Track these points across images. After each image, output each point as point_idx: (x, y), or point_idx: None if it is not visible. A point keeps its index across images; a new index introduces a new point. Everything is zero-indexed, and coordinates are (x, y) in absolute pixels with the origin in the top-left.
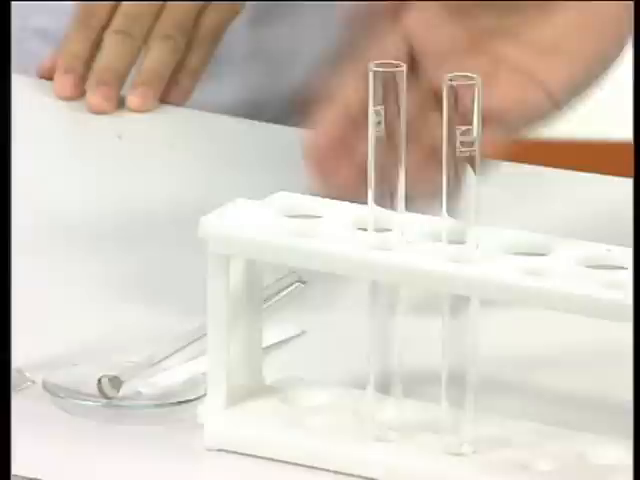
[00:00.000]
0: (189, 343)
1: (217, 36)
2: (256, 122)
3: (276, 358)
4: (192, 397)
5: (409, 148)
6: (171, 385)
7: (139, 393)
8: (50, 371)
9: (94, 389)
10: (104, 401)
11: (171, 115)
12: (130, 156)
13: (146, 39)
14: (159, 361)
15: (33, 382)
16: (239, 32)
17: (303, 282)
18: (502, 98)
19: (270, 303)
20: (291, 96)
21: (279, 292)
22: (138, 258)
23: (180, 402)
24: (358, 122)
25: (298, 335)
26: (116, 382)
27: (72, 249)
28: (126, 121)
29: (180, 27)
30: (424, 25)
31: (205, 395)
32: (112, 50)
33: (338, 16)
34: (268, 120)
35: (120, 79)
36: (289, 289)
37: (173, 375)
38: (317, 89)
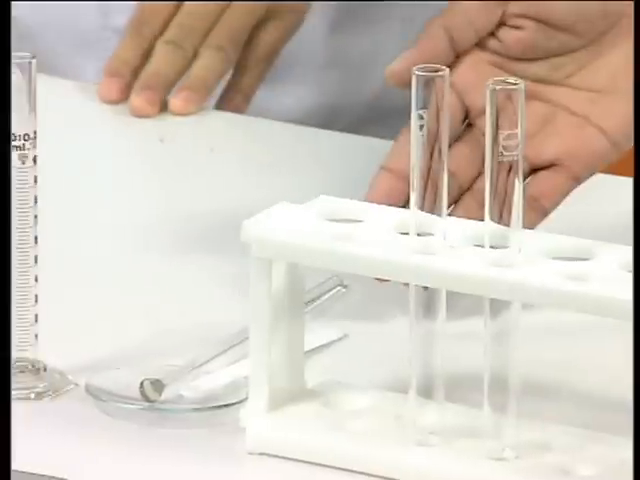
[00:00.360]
0: (231, 346)
1: (273, 55)
2: (297, 126)
3: (318, 362)
4: (234, 401)
5: (464, 198)
6: (213, 389)
7: (181, 397)
8: (93, 374)
9: (136, 392)
10: (146, 404)
11: (213, 119)
12: (172, 159)
13: (197, 51)
14: (201, 365)
15: (76, 385)
16: (317, 38)
17: (344, 286)
18: (562, 144)
19: (312, 307)
20: (367, 105)
21: (321, 296)
22: (180, 261)
23: (222, 406)
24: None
25: (340, 339)
26: (158, 385)
27: (115, 252)
28: (169, 125)
29: (233, 40)
30: (474, 81)
31: (247, 399)
32: (161, 58)
33: (388, 76)
34: (342, 128)
35: (166, 85)
36: (330, 293)
37: (215, 379)
38: (394, 100)
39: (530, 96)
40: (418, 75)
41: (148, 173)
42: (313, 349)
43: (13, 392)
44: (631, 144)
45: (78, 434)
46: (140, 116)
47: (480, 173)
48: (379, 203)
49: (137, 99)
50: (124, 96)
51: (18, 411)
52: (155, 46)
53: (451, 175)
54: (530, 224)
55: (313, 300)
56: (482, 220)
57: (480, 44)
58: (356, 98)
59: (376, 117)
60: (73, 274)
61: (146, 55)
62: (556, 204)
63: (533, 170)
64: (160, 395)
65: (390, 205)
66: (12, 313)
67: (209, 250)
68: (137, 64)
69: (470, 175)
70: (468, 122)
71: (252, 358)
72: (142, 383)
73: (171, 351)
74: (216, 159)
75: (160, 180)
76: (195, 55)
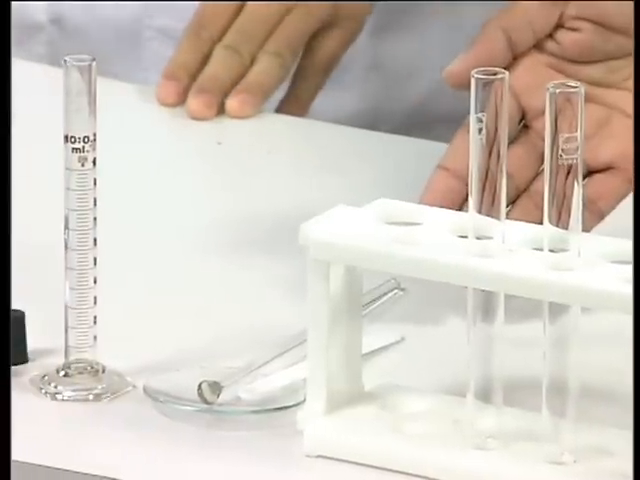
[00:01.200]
0: (289, 349)
1: (333, 62)
2: (353, 128)
3: (375, 365)
4: (292, 403)
5: (521, 199)
6: (271, 391)
7: (239, 399)
8: (151, 376)
9: (194, 394)
10: (204, 406)
11: (270, 122)
12: (229, 162)
13: (254, 57)
14: (259, 367)
15: (134, 387)
16: (361, 42)
17: (402, 289)
18: (618, 147)
19: (369, 310)
20: (410, 111)
21: (378, 299)
22: (238, 263)
23: (280, 408)
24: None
25: (397, 342)
26: (216, 388)
27: (174, 254)
28: (226, 127)
29: (291, 46)
30: (531, 83)
31: (304, 401)
32: (219, 62)
33: (446, 77)
34: (386, 133)
35: (223, 89)
36: (388, 296)
37: (273, 381)
38: (437, 106)
39: (586, 99)
40: (477, 78)
41: (205, 175)
42: (371, 352)
43: (72, 393)
44: None
45: (136, 435)
46: (197, 119)
47: (537, 175)
48: (436, 202)
49: (194, 102)
50: (182, 99)
51: (76, 412)
52: (213, 50)
53: (508, 177)
54: (587, 227)
55: (370, 303)
56: (539, 222)
57: (537, 46)
58: (399, 104)
59: (419, 124)
60: (132, 276)
61: (204, 59)
62: (612, 207)
63: (589, 173)
64: (218, 397)
65: (446, 205)
66: (71, 315)
67: (266, 252)
68: (195, 68)
69: (527, 177)
70: (524, 124)
71: (310, 360)
72: (200, 385)
73: (229, 353)
74: (273, 161)
75: (217, 182)
76: (252, 61)
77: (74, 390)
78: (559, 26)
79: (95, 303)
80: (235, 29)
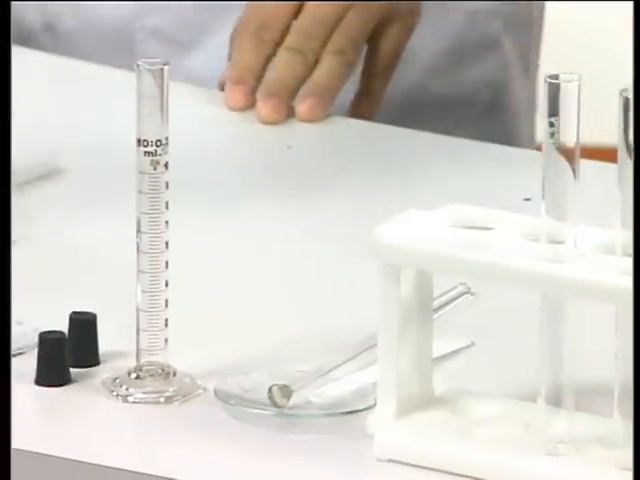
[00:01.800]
0: (359, 353)
1: (397, 57)
2: (422, 132)
3: (446, 369)
4: (362, 407)
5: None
6: (341, 395)
7: (309, 402)
8: (222, 379)
9: (265, 397)
10: (274, 410)
11: (339, 125)
12: (300, 166)
13: (318, 56)
14: (329, 370)
15: (205, 390)
16: None
17: (472, 293)
18: None
19: (440, 314)
20: (403, 98)
21: (449, 303)
22: (310, 268)
23: (350, 412)
24: None
25: (468, 346)
26: (286, 391)
27: (243, 257)
28: (296, 131)
29: (353, 44)
30: None
31: (375, 405)
32: (283, 64)
33: None
34: (378, 122)
35: (289, 92)
36: (459, 300)
37: (343, 385)
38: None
39: None
40: (550, 83)
41: (276, 179)
42: (441, 356)
43: (143, 395)
44: None
45: (206, 438)
46: (268, 123)
47: None
48: None
49: (263, 107)
50: (250, 102)
51: (148, 415)
52: (277, 53)
53: None
54: None
55: (441, 307)
56: None
57: None
58: (390, 92)
59: (410, 111)
60: (202, 279)
61: (267, 61)
62: None
63: None
64: (288, 401)
65: None
66: (143, 317)
67: (336, 256)
68: (260, 70)
69: None
70: None
71: (380, 364)
72: (270, 388)
73: (299, 356)
74: (342, 164)
75: (288, 186)
76: (317, 60)
77: (145, 392)
78: None
79: (166, 306)
80: (296, 30)
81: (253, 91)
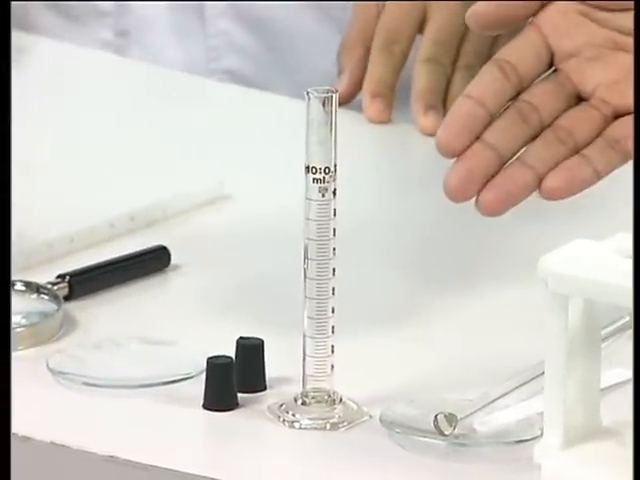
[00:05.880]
0: (525, 382)
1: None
2: None
3: (613, 400)
4: (528, 437)
5: (546, 133)
6: (507, 424)
7: (475, 431)
8: (387, 406)
9: (430, 425)
10: (440, 438)
11: None
12: None
13: (454, 65)
14: (495, 399)
15: (370, 417)
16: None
17: None
18: None
19: (607, 344)
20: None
21: (617, 333)
22: (469, 292)
23: (516, 441)
24: (493, 117)
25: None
26: (452, 419)
27: (405, 287)
28: None
29: (479, 58)
30: (562, 26)
31: (541, 435)
32: (428, 76)
33: (470, 17)
34: None
35: (441, 99)
36: (627, 331)
37: (509, 414)
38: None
39: (616, 47)
40: None
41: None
42: (608, 387)
43: (309, 422)
44: None
45: (372, 465)
46: (431, 135)
47: (562, 112)
48: (458, 124)
49: (425, 120)
50: (387, 115)
51: (314, 441)
52: (417, 66)
53: (534, 110)
54: (611, 165)
55: (609, 337)
56: (560, 156)
57: None
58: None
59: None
60: (366, 305)
61: (399, 73)
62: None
63: (617, 116)
64: (454, 429)
65: (468, 127)
66: (309, 344)
67: (496, 283)
68: (394, 82)
69: (552, 111)
70: (554, 68)
71: (547, 394)
72: (436, 416)
73: (463, 384)
74: None
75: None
76: (453, 70)
77: (311, 419)
78: None
79: (332, 332)
80: (431, 41)
81: (391, 103)
